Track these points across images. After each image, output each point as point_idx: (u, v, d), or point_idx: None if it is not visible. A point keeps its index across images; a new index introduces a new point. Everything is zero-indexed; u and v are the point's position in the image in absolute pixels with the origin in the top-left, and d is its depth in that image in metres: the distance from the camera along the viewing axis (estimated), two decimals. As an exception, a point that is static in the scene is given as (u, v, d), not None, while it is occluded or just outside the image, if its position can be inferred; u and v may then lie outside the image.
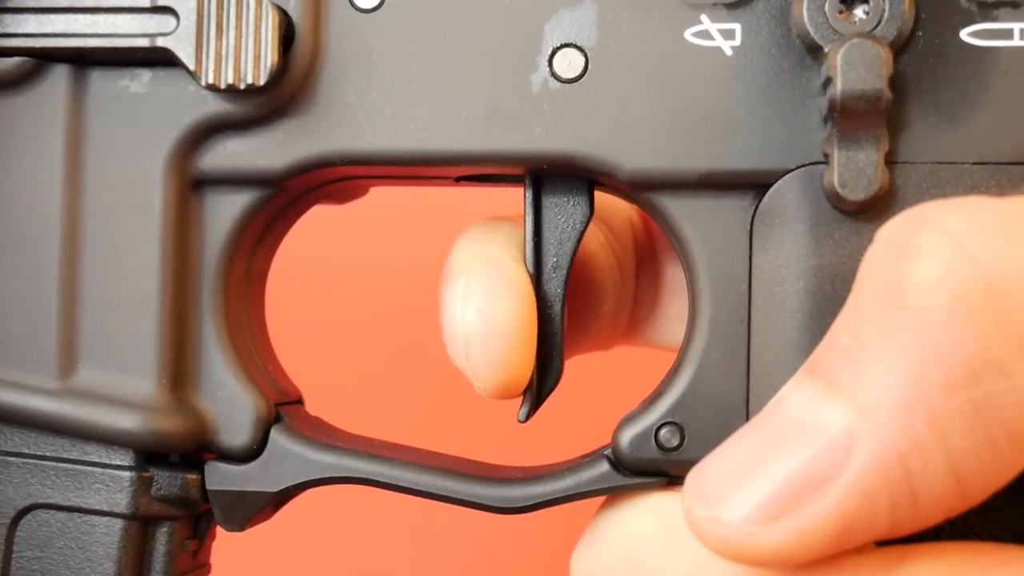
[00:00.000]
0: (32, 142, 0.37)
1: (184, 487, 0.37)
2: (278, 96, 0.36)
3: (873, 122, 0.33)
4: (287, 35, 0.36)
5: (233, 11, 0.35)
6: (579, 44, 0.36)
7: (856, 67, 0.32)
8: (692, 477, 0.31)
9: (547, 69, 0.36)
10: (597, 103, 0.36)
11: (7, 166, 0.37)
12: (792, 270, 0.34)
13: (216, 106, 0.36)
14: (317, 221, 0.44)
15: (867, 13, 0.34)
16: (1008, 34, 0.34)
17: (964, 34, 0.34)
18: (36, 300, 0.37)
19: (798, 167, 0.35)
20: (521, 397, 0.39)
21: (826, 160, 0.34)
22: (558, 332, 0.39)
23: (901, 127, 0.34)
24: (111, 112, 0.37)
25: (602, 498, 0.37)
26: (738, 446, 0.30)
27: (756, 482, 0.29)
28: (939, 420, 0.27)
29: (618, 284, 0.45)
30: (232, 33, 0.35)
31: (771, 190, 0.35)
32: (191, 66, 0.35)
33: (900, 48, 0.34)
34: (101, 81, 0.37)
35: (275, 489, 0.38)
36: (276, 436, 0.38)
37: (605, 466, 0.36)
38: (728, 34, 0.35)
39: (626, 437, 0.36)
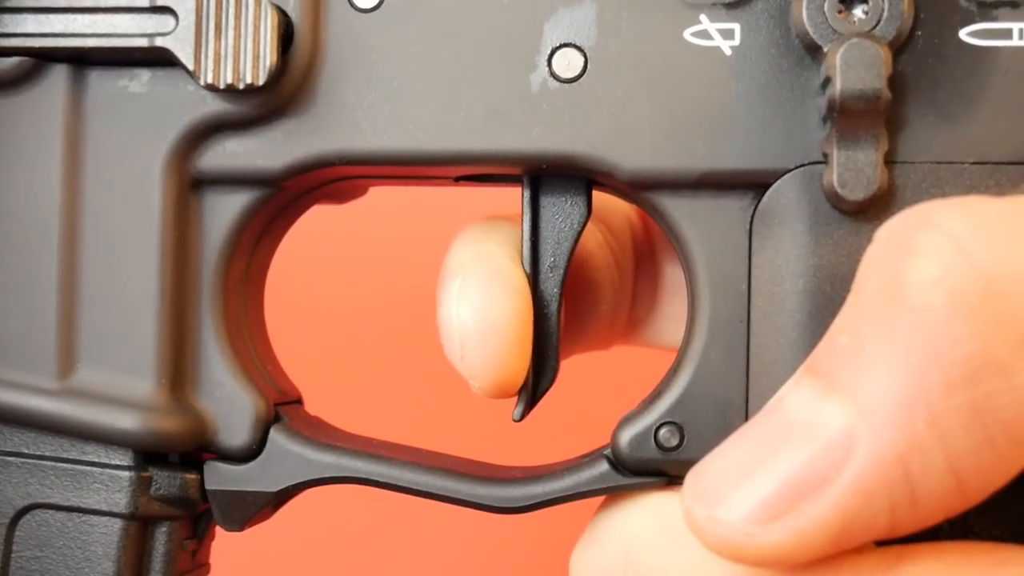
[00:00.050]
0: (31, 142, 0.37)
1: (183, 487, 0.37)
2: (277, 96, 0.36)
3: (872, 122, 0.33)
4: (286, 35, 0.36)
5: (232, 11, 0.35)
6: (578, 44, 0.36)
7: (855, 67, 0.32)
8: (691, 477, 0.31)
9: (546, 69, 0.36)
10: (596, 103, 0.36)
11: (6, 166, 0.37)
12: (791, 270, 0.34)
13: (215, 106, 0.36)
14: (316, 221, 0.44)
15: (866, 13, 0.34)
16: (1007, 34, 0.34)
17: (963, 34, 0.34)
18: (35, 300, 0.37)
19: (797, 167, 0.35)
20: (516, 396, 0.39)
21: (825, 160, 0.34)
22: (554, 332, 0.39)
23: (900, 127, 0.34)
24: (110, 112, 0.37)
25: (601, 498, 0.37)
26: (737, 446, 0.30)
27: (756, 482, 0.29)
28: (939, 420, 0.27)
29: (616, 284, 0.45)
30: (231, 33, 0.35)
31: (770, 190, 0.35)
32: (190, 66, 0.35)
33: (899, 48, 0.34)
34: (100, 81, 0.37)
35: (274, 489, 0.38)
36: (275, 436, 0.38)
37: (604, 466, 0.36)
38: (727, 34, 0.35)
39: (625, 437, 0.36)
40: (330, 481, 0.38)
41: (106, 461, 0.37)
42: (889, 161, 0.34)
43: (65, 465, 0.37)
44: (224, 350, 0.38)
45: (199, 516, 0.39)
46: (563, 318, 0.40)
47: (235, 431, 0.38)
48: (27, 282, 0.37)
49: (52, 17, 0.36)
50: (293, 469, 0.38)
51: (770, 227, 0.35)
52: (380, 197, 0.45)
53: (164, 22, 0.36)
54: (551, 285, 0.39)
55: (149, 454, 0.37)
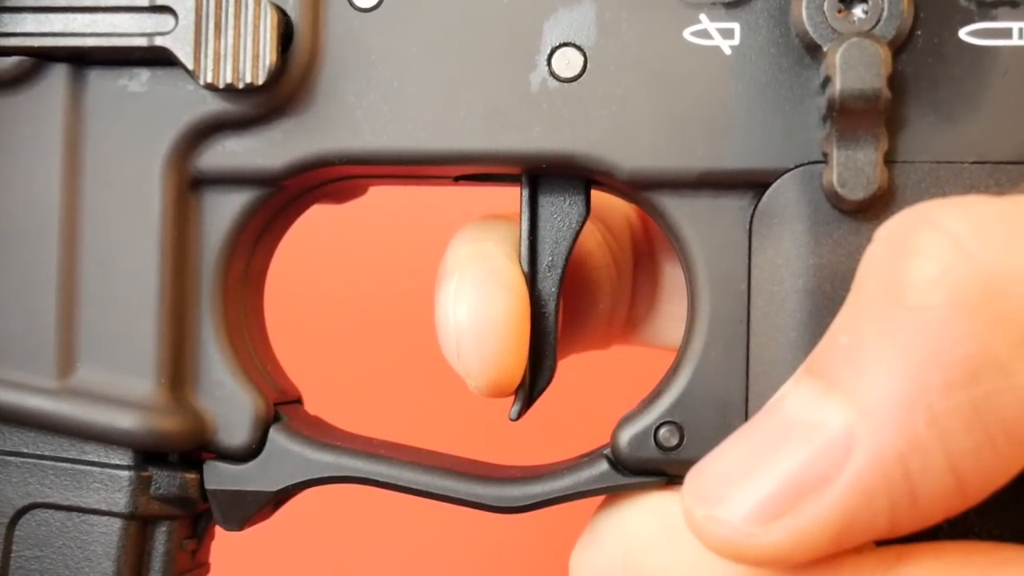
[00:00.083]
0: (31, 141, 0.37)
1: (183, 486, 0.37)
2: (277, 95, 0.36)
3: (872, 121, 0.33)
4: (286, 34, 0.36)
5: (231, 10, 0.35)
6: (578, 43, 0.36)
7: (855, 66, 0.32)
8: (691, 477, 0.30)
9: (546, 68, 0.36)
10: (596, 102, 0.36)
11: (6, 166, 0.37)
12: (791, 269, 0.34)
13: (215, 105, 0.36)
14: (316, 220, 0.44)
15: (866, 12, 0.34)
16: (1007, 33, 0.34)
17: (963, 33, 0.34)
18: (35, 299, 0.37)
19: (797, 166, 0.35)
20: (514, 396, 0.39)
21: (825, 159, 0.34)
22: (551, 331, 0.39)
23: (900, 126, 0.34)
24: (110, 111, 0.37)
25: (601, 497, 0.37)
26: (737, 446, 0.30)
27: (755, 482, 0.29)
28: (938, 419, 0.27)
29: (615, 283, 0.45)
30: (230, 32, 0.35)
31: (770, 189, 0.35)
32: (189, 65, 0.35)
33: (899, 47, 0.34)
34: (100, 80, 0.37)
35: (274, 488, 0.38)
36: (275, 435, 0.38)
37: (604, 465, 0.36)
38: (727, 33, 0.35)
39: (625, 436, 0.36)
40: (330, 481, 0.38)
41: (106, 461, 0.37)
42: (889, 161, 0.34)
43: (65, 465, 0.37)
44: (224, 349, 0.38)
45: (199, 516, 0.39)
46: (561, 317, 0.40)
47: (235, 431, 0.38)
48: (27, 282, 0.37)
49: (52, 16, 0.36)
50: (293, 469, 0.38)
51: (770, 226, 0.35)
52: (380, 197, 0.45)
53: (164, 21, 0.36)
54: (549, 284, 0.39)
55: (149, 454, 0.37)
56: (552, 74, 0.36)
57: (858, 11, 0.34)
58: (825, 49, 0.34)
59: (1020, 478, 0.28)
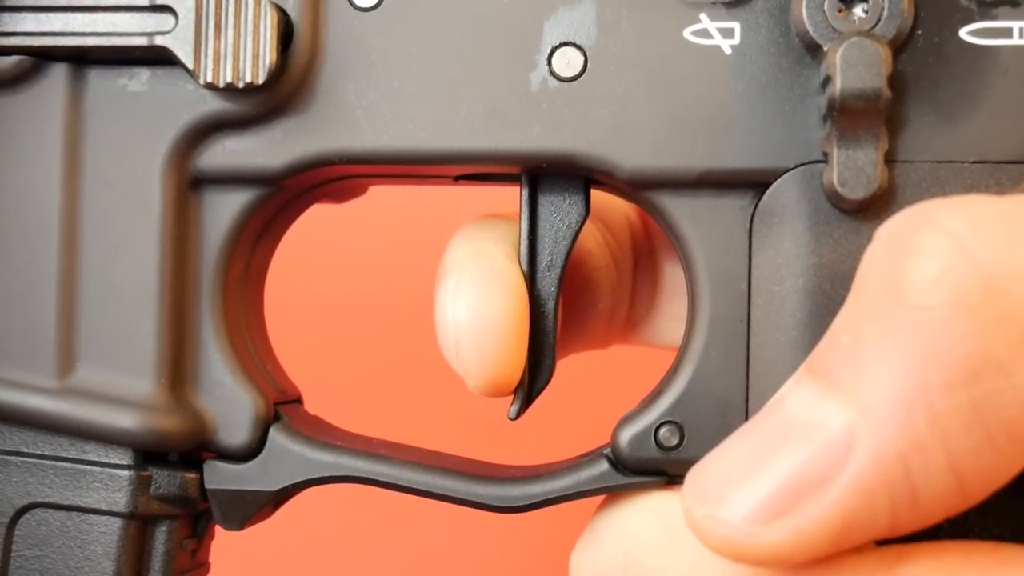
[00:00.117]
0: (31, 141, 0.37)
1: (183, 486, 0.37)
2: (277, 95, 0.36)
3: (872, 121, 0.33)
4: (286, 34, 0.36)
5: (231, 10, 0.35)
6: (578, 43, 0.36)
7: (855, 66, 0.32)
8: (692, 476, 0.30)
9: (546, 68, 0.36)
10: (596, 102, 0.36)
11: (6, 165, 0.37)
12: (792, 269, 0.34)
13: (215, 105, 0.36)
14: (316, 220, 0.44)
15: (866, 12, 0.34)
16: (1007, 33, 0.34)
17: (963, 33, 0.34)
18: (35, 299, 0.37)
19: (797, 166, 0.35)
20: (512, 395, 0.39)
21: (825, 159, 0.34)
22: (551, 331, 0.39)
23: (900, 126, 0.34)
24: (110, 111, 0.37)
25: (601, 497, 0.37)
26: (738, 445, 0.30)
27: (756, 481, 0.29)
28: (939, 419, 0.27)
29: (615, 283, 0.45)
30: (230, 32, 0.35)
31: (770, 189, 0.35)
32: (189, 65, 0.35)
33: (899, 47, 0.34)
34: (99, 80, 0.37)
35: (274, 488, 0.38)
36: (275, 435, 0.38)
37: (604, 465, 0.36)
38: (727, 33, 0.35)
39: (625, 436, 0.36)
40: (330, 480, 0.38)
41: (106, 460, 0.37)
42: (889, 160, 0.34)
43: (65, 464, 0.37)
44: (224, 349, 0.38)
45: (199, 515, 0.39)
46: (560, 317, 0.40)
47: (235, 430, 0.38)
48: (27, 281, 0.37)
49: (51, 16, 0.36)
50: (293, 468, 0.38)
51: (770, 226, 0.35)
52: (380, 196, 0.45)
53: (164, 21, 0.36)
54: (548, 284, 0.39)
55: (149, 453, 0.37)
56: (552, 73, 0.36)
57: (858, 10, 0.34)
58: (825, 48, 0.34)
59: (1020, 478, 0.28)
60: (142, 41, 0.36)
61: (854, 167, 0.33)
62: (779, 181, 0.35)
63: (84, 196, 0.37)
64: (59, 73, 0.37)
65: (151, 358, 0.37)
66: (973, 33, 0.34)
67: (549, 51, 0.36)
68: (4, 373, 0.37)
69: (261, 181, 0.37)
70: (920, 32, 0.34)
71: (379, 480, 0.38)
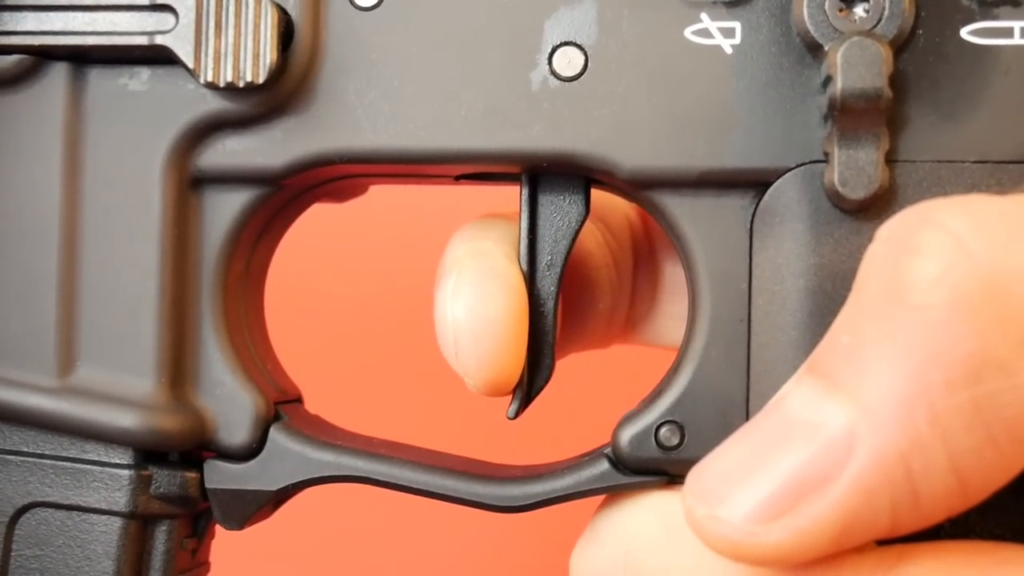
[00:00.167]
0: (31, 140, 0.37)
1: (183, 485, 0.37)
2: (277, 94, 0.36)
3: (873, 120, 0.33)
4: (286, 33, 0.36)
5: (232, 9, 0.35)
6: (579, 42, 0.36)
7: (856, 65, 0.32)
8: (693, 476, 0.30)
9: (547, 67, 0.36)
10: (597, 101, 0.36)
11: (6, 164, 0.37)
12: (792, 269, 0.34)
13: (215, 104, 0.36)
14: (316, 219, 0.44)
15: (867, 11, 0.34)
16: (1008, 32, 0.34)
17: (964, 32, 0.34)
18: (35, 298, 0.37)
19: (798, 165, 0.35)
20: (512, 394, 0.39)
21: (826, 158, 0.34)
22: (550, 330, 0.39)
23: (901, 125, 0.34)
24: (110, 110, 0.37)
25: (602, 497, 0.37)
26: (739, 445, 0.30)
27: (757, 481, 0.29)
28: (940, 419, 0.27)
29: (615, 283, 0.45)
30: (231, 31, 0.35)
31: (771, 188, 0.35)
32: (190, 64, 0.35)
33: (900, 46, 0.34)
34: (100, 79, 0.37)
35: (274, 488, 0.38)
36: (275, 434, 0.38)
37: (605, 465, 0.36)
38: (728, 32, 0.35)
39: (626, 436, 0.36)
40: (330, 480, 0.38)
41: (106, 459, 0.37)
42: (890, 160, 0.34)
43: (65, 463, 0.37)
44: (224, 348, 0.38)
45: (199, 515, 0.39)
46: (560, 317, 0.40)
47: (235, 429, 0.38)
48: (27, 280, 0.37)
49: (52, 15, 0.36)
50: (293, 468, 0.38)
51: (771, 226, 0.35)
52: (380, 195, 0.45)
53: (164, 20, 0.36)
54: (548, 283, 0.39)
55: (149, 452, 0.37)
56: (553, 73, 0.36)
57: (859, 10, 0.34)
58: (826, 48, 0.34)
59: (1021, 477, 0.28)
60: (142, 40, 0.36)
61: (855, 167, 0.33)
62: (780, 181, 0.35)
63: (84, 195, 0.37)
64: (59, 72, 0.37)
65: (151, 357, 0.37)
66: (974, 33, 0.34)
67: (550, 50, 0.36)
68: (4, 372, 0.37)
69: (261, 180, 0.37)
70: (921, 32, 0.34)
71: (379, 480, 0.38)
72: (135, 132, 0.37)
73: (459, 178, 0.39)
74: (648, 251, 0.47)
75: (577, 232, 0.39)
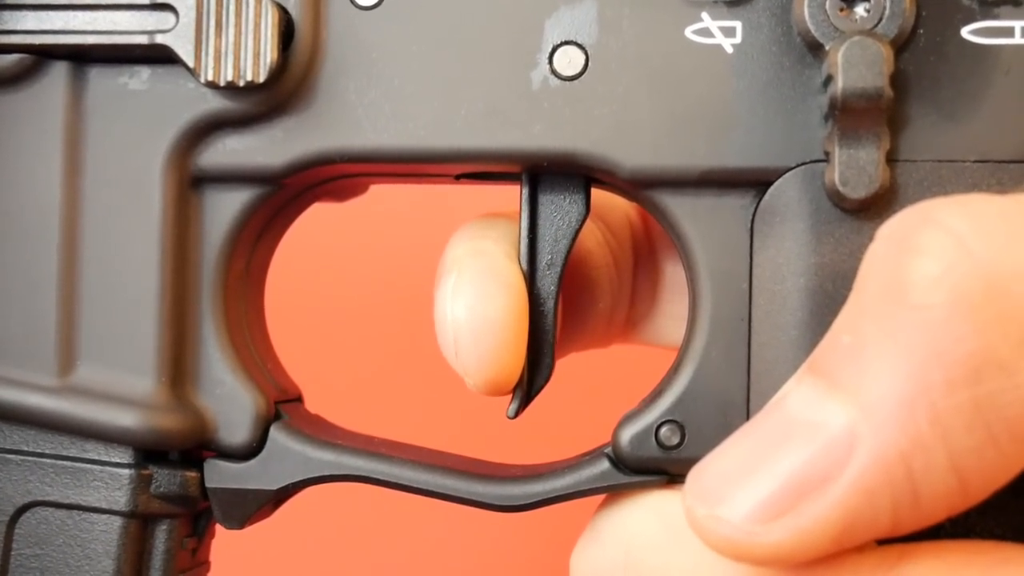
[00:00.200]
0: (31, 139, 0.37)
1: (183, 485, 0.37)
2: (277, 93, 0.36)
3: (874, 120, 0.33)
4: (287, 32, 0.36)
5: (232, 8, 0.35)
6: (579, 41, 0.36)
7: (857, 65, 0.32)
8: (693, 476, 0.30)
9: (547, 66, 0.36)
10: (597, 101, 0.35)
11: (6, 164, 0.37)
12: (793, 268, 0.34)
13: (215, 103, 0.36)
14: (317, 219, 0.44)
15: (868, 11, 0.34)
16: (1009, 32, 0.34)
17: (965, 32, 0.34)
18: (35, 297, 0.37)
19: (799, 165, 0.35)
20: (512, 394, 0.39)
21: (827, 158, 0.34)
22: (550, 330, 0.39)
23: (902, 125, 0.34)
24: (110, 109, 0.37)
25: (602, 496, 0.37)
26: (739, 445, 0.30)
27: (757, 481, 0.29)
28: (941, 418, 0.27)
29: (615, 282, 0.45)
30: (231, 30, 0.35)
31: (772, 188, 0.35)
32: (190, 63, 0.35)
33: (901, 46, 0.34)
34: (100, 78, 0.37)
35: (274, 487, 0.38)
36: (275, 434, 0.38)
37: (605, 464, 0.36)
38: (729, 32, 0.35)
39: (626, 435, 0.36)
40: (330, 479, 0.38)
41: (106, 459, 0.37)
42: (891, 159, 0.34)
43: (65, 463, 0.37)
44: (224, 348, 0.38)
45: (199, 514, 0.39)
46: (560, 316, 0.40)
47: (235, 429, 0.38)
48: (27, 279, 0.37)
49: (52, 14, 0.36)
50: (293, 467, 0.38)
51: (771, 225, 0.35)
52: (380, 195, 0.45)
53: (164, 19, 0.36)
54: (548, 283, 0.39)
55: (149, 452, 0.37)
56: (553, 72, 0.36)
57: (860, 9, 0.34)
58: (827, 48, 0.33)
59: (1022, 477, 0.28)
60: (143, 39, 0.36)
61: (856, 166, 0.33)
62: (780, 180, 0.35)
63: (85, 195, 0.37)
64: (60, 71, 0.37)
65: (152, 357, 0.37)
66: (975, 32, 0.34)
67: (550, 50, 0.36)
68: (4, 371, 0.37)
69: (262, 180, 0.37)
70: (922, 31, 0.34)
71: (380, 479, 0.38)
72: (135, 131, 0.37)
73: (459, 177, 0.39)
74: (648, 250, 0.47)
75: (577, 231, 0.39)
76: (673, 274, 0.46)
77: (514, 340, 0.38)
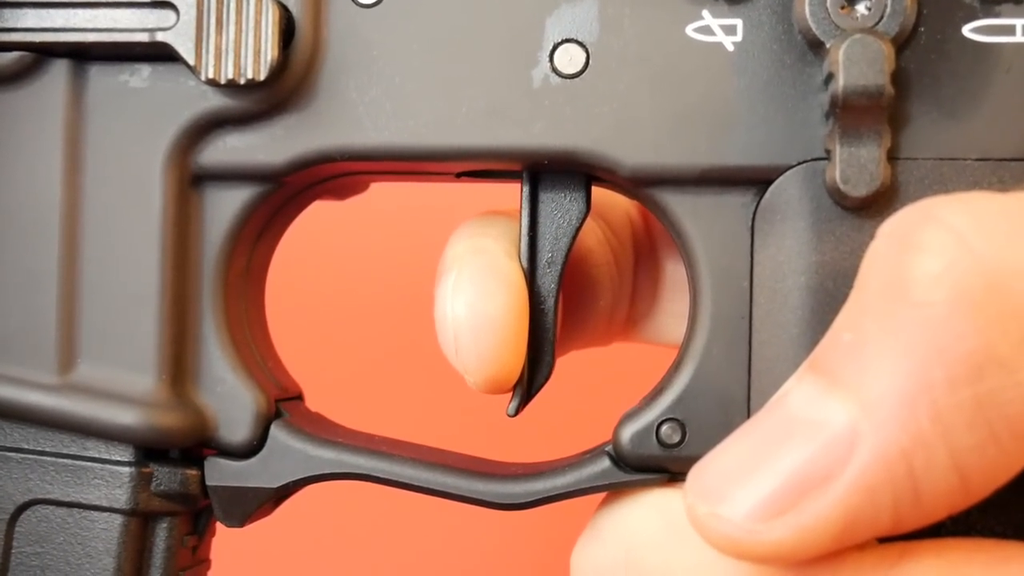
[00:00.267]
0: (32, 137, 0.37)
1: (184, 483, 0.37)
2: (278, 91, 0.36)
3: (875, 118, 0.33)
4: (287, 30, 0.36)
5: (233, 6, 0.35)
6: (580, 39, 0.36)
7: (858, 63, 0.32)
8: (694, 474, 0.30)
9: (548, 64, 0.36)
10: (598, 99, 0.35)
11: (7, 161, 0.37)
12: (794, 266, 0.34)
13: (216, 101, 0.36)
14: (317, 217, 0.44)
15: (869, 9, 0.34)
16: (1010, 30, 0.34)
17: (966, 30, 0.34)
18: (36, 295, 0.37)
19: (800, 163, 0.35)
20: (512, 392, 0.39)
21: (828, 156, 0.34)
22: (550, 328, 0.39)
23: (903, 123, 0.34)
24: (111, 107, 0.37)
25: (603, 495, 0.37)
26: (740, 443, 0.30)
27: (758, 479, 0.29)
28: (942, 416, 0.27)
29: (615, 280, 0.45)
30: (232, 28, 0.35)
31: (773, 186, 0.35)
32: (191, 61, 0.35)
33: (902, 44, 0.34)
34: (101, 76, 0.37)
35: (275, 485, 0.38)
36: (276, 432, 0.38)
37: (606, 462, 0.36)
38: (730, 30, 0.35)
39: (627, 433, 0.36)
40: (331, 477, 0.38)
41: (107, 457, 0.37)
42: (892, 157, 0.34)
43: (66, 461, 0.37)
44: (225, 346, 0.38)
45: (200, 512, 0.39)
46: (561, 314, 0.40)
47: (236, 427, 0.38)
48: (27, 277, 0.37)
49: (52, 12, 0.36)
50: (294, 465, 0.38)
51: (772, 223, 0.35)
52: (381, 193, 0.45)
53: (165, 17, 0.36)
54: (548, 281, 0.39)
55: (150, 450, 0.37)
56: (554, 70, 0.36)
57: (861, 7, 0.34)
58: (828, 46, 0.33)
59: (1023, 474, 0.28)
60: (143, 37, 0.36)
61: (857, 164, 0.33)
62: (781, 178, 0.35)
63: (85, 192, 0.37)
64: (60, 69, 0.37)
65: (152, 355, 0.37)
66: (976, 30, 0.34)
67: (551, 48, 0.36)
68: (5, 369, 0.37)
69: (262, 178, 0.37)
70: (923, 29, 0.34)
71: (380, 477, 0.38)
72: (136, 129, 0.37)
73: (460, 175, 0.39)
74: (649, 249, 0.47)
75: (578, 229, 0.39)
76: (674, 272, 0.46)
77: (514, 338, 0.38)
